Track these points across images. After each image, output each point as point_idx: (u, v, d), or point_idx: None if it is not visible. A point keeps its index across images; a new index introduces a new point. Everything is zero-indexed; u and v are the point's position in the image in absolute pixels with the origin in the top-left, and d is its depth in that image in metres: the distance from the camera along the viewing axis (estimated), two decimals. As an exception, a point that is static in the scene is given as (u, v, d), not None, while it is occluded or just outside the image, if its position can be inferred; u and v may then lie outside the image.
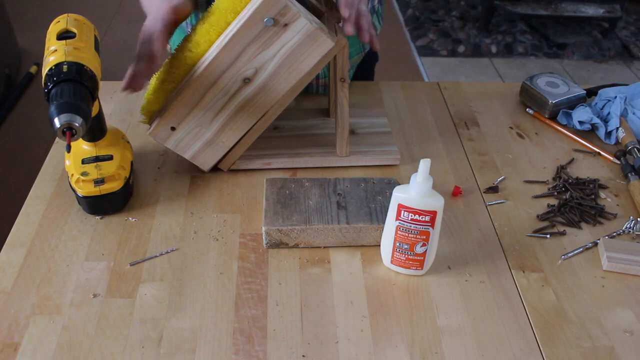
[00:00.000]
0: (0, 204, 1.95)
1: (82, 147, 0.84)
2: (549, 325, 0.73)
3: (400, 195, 0.73)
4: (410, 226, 0.74)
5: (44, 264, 0.78)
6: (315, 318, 0.72)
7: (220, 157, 0.91)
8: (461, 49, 2.98)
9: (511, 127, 1.07)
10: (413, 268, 0.77)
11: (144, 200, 0.88)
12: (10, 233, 0.82)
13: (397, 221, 0.74)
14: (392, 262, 0.78)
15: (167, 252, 0.80)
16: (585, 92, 1.08)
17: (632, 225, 0.86)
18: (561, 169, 0.96)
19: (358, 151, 0.95)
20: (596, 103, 1.08)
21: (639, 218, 0.88)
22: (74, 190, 0.83)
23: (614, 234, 0.86)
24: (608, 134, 1.03)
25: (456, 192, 0.91)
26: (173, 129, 0.86)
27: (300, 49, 0.79)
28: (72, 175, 0.82)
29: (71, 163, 0.83)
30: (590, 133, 1.05)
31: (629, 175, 0.94)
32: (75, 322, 0.71)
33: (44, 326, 0.70)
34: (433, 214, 0.73)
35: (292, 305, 0.74)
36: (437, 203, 0.73)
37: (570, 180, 0.94)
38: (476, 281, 0.78)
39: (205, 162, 0.91)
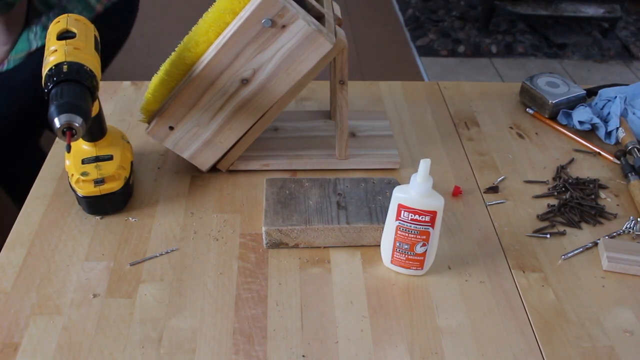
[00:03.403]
0: (0, 204, 1.94)
1: (82, 147, 0.84)
2: (549, 325, 0.73)
3: (400, 195, 0.73)
4: (410, 226, 0.74)
5: (44, 264, 0.78)
6: (315, 318, 0.72)
7: (218, 158, 0.91)
8: (461, 49, 2.98)
9: (511, 127, 1.07)
10: (413, 268, 0.77)
11: (144, 200, 0.88)
12: (10, 233, 0.82)
13: (397, 221, 0.74)
14: (392, 262, 0.78)
15: (167, 252, 0.80)
16: (585, 92, 1.08)
17: (632, 225, 0.86)
18: (561, 169, 0.96)
19: (358, 154, 0.95)
20: (596, 103, 1.08)
21: (639, 218, 0.88)
22: (74, 190, 0.83)
23: (614, 234, 0.86)
24: (608, 134, 1.03)
25: (456, 192, 0.91)
26: (171, 128, 0.86)
27: (298, 50, 0.79)
28: (72, 175, 0.82)
29: (71, 163, 0.83)
30: (590, 133, 1.05)
31: (629, 175, 0.94)
32: (75, 322, 0.71)
33: (44, 326, 0.70)
34: (433, 214, 0.73)
35: (292, 305, 0.74)
36: (437, 203, 0.73)
37: (570, 180, 0.94)
38: (476, 281, 0.78)
39: (204, 162, 0.91)
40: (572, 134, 1.04)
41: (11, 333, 0.69)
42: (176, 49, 0.84)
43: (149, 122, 0.88)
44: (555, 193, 0.92)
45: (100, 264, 0.78)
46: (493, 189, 0.92)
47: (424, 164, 0.70)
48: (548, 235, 0.85)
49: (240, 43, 0.78)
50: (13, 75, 1.29)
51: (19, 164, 1.39)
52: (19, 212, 0.85)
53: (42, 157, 0.96)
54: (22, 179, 1.07)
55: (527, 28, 3.14)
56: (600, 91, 1.10)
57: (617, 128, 1.03)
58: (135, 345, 0.69)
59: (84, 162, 0.83)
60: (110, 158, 0.83)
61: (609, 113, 1.05)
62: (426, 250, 0.75)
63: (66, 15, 0.82)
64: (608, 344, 0.71)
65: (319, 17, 0.84)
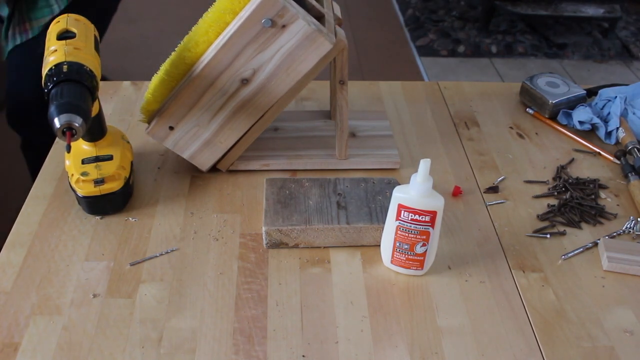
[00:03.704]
0: (0, 204, 1.94)
1: (82, 147, 0.84)
2: (549, 325, 0.73)
3: (400, 195, 0.73)
4: (410, 226, 0.74)
5: (44, 264, 0.78)
6: (315, 318, 0.72)
7: (218, 158, 0.91)
8: (461, 49, 2.98)
9: (511, 127, 1.07)
10: (413, 268, 0.77)
11: (144, 200, 0.88)
12: (10, 233, 0.82)
13: (397, 221, 0.74)
14: (392, 262, 0.78)
15: (167, 252, 0.80)
16: (585, 92, 1.08)
17: (632, 225, 0.86)
18: (561, 169, 0.96)
19: (357, 154, 0.95)
20: (596, 103, 1.08)
21: (639, 218, 0.88)
22: (74, 190, 0.83)
23: (614, 234, 0.86)
24: (608, 134, 1.03)
25: (456, 192, 0.91)
26: (171, 128, 0.86)
27: (298, 50, 0.79)
28: (72, 175, 0.82)
29: (71, 163, 0.83)
30: (590, 133, 1.05)
31: (629, 175, 0.94)
32: (75, 322, 0.71)
33: (44, 326, 0.70)
34: (433, 214, 0.73)
35: (292, 305, 0.74)
36: (437, 203, 0.73)
37: (570, 180, 0.94)
38: (476, 281, 0.78)
39: (204, 162, 0.91)
40: (572, 134, 1.04)
41: (11, 333, 0.69)
42: (176, 49, 0.84)
43: (149, 122, 0.88)
44: (555, 193, 0.92)
45: (100, 264, 0.78)
46: (493, 189, 0.92)
47: (424, 164, 0.70)
48: (548, 235, 0.85)
49: (240, 43, 0.78)
50: (38, 43, 1.28)
51: (41, 132, 1.39)
52: (19, 212, 0.85)
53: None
54: (41, 149, 1.07)
55: (527, 28, 3.14)
56: (600, 91, 1.10)
57: (617, 128, 1.03)
58: (135, 345, 0.69)
59: (84, 162, 0.83)
60: (110, 158, 0.83)
61: (609, 113, 1.05)
62: (426, 250, 0.75)
63: (66, 15, 0.82)
64: (608, 344, 0.71)
65: (319, 17, 0.84)
